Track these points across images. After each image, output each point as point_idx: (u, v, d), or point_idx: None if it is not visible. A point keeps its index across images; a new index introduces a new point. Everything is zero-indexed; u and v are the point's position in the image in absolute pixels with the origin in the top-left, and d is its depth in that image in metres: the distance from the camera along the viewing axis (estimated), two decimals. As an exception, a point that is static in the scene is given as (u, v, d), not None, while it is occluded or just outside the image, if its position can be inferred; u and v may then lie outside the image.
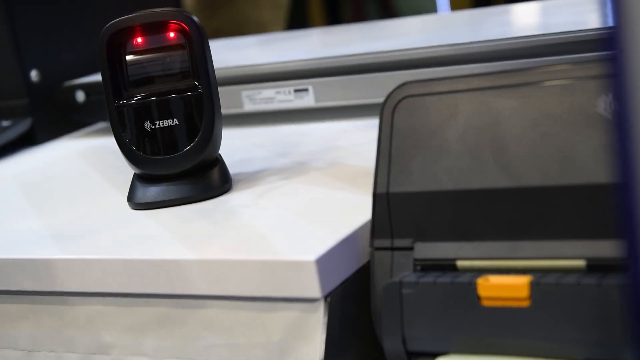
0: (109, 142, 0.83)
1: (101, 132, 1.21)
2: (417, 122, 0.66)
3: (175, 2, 1.54)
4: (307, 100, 1.08)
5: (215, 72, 0.83)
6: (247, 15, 2.12)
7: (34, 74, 1.19)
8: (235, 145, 1.00)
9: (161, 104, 0.81)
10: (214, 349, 0.70)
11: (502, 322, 0.59)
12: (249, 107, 1.11)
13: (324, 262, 0.65)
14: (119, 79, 0.82)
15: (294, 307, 0.66)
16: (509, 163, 0.63)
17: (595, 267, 0.60)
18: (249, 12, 2.13)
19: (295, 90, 1.08)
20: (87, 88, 1.19)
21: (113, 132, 0.83)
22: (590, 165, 0.60)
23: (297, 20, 2.64)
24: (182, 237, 0.74)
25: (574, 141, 0.61)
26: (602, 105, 0.61)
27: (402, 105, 0.67)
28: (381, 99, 0.68)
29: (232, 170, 0.87)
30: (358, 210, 0.72)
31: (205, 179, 0.83)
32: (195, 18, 0.82)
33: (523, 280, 0.59)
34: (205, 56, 0.81)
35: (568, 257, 0.61)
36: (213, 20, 2.06)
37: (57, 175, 1.05)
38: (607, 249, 0.59)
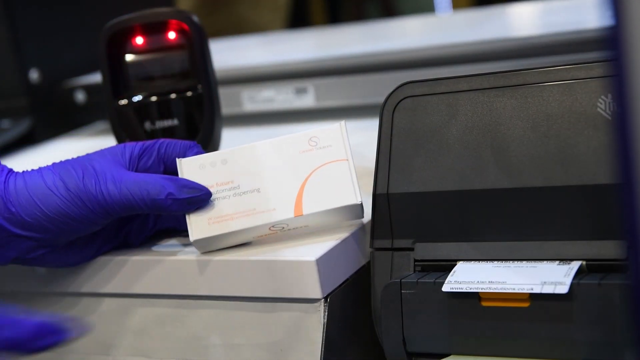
0: (109, 142, 0.83)
1: (101, 132, 1.21)
2: (417, 122, 0.66)
3: (172, 2, 1.54)
4: (307, 100, 1.08)
5: (215, 72, 0.83)
6: (247, 16, 2.13)
7: (34, 74, 1.19)
8: (236, 146, 1.00)
9: (161, 104, 0.81)
10: (214, 349, 0.70)
11: (502, 322, 0.59)
12: (249, 107, 1.11)
13: (324, 263, 0.65)
14: (119, 78, 0.82)
15: (294, 307, 0.66)
16: (509, 163, 0.63)
17: (595, 267, 0.60)
18: (249, 13, 2.13)
19: (296, 90, 1.08)
20: (87, 88, 1.19)
21: (113, 132, 0.83)
22: (590, 165, 0.60)
23: (298, 19, 2.64)
24: (181, 237, 0.74)
25: (574, 141, 0.61)
26: (602, 105, 0.61)
27: (403, 106, 0.67)
28: (381, 99, 0.68)
29: (232, 170, 0.86)
30: (358, 210, 0.72)
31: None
32: (195, 18, 0.82)
33: (523, 280, 0.59)
34: (205, 56, 0.81)
35: (568, 257, 0.61)
36: (213, 20, 2.06)
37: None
38: (607, 249, 0.59)
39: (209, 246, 0.67)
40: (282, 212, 0.66)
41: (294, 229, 0.67)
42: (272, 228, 0.67)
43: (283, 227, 0.67)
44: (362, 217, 0.68)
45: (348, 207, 0.66)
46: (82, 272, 0.73)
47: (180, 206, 0.66)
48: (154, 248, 0.72)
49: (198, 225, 0.66)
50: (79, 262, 0.71)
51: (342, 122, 0.67)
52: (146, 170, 0.69)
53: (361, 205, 0.66)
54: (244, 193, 0.67)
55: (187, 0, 2.08)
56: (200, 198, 0.66)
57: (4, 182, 0.66)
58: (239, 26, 2.07)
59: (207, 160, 0.68)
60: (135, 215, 0.71)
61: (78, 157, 0.69)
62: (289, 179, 0.67)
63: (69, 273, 0.73)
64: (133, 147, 0.70)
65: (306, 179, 0.66)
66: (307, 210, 0.66)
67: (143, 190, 0.65)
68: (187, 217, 0.66)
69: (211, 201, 0.67)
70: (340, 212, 0.66)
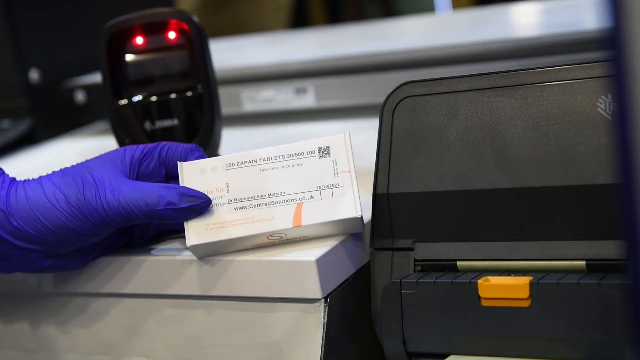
0: (109, 142, 0.83)
1: (101, 132, 1.21)
2: (417, 122, 0.66)
3: (173, 2, 1.54)
4: (307, 100, 1.08)
5: (215, 72, 0.83)
6: (249, 15, 2.12)
7: (34, 74, 1.19)
8: (235, 146, 1.00)
9: (161, 104, 0.81)
10: (214, 349, 0.70)
11: (502, 322, 0.59)
12: (249, 107, 1.11)
13: (324, 262, 0.65)
14: (119, 79, 0.82)
15: (294, 307, 0.66)
16: (509, 163, 0.63)
17: (595, 267, 0.60)
18: (251, 12, 2.13)
19: (295, 90, 1.08)
20: (87, 88, 1.19)
21: (113, 132, 0.83)
22: (590, 165, 0.60)
23: (298, 20, 2.64)
24: (182, 237, 0.74)
25: (574, 141, 0.61)
26: (602, 105, 0.61)
27: (402, 106, 0.67)
28: (381, 99, 0.68)
29: (232, 170, 0.86)
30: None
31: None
32: (195, 18, 0.82)
33: (523, 280, 0.59)
34: (205, 56, 0.81)
35: (568, 257, 0.61)
36: (215, 20, 2.06)
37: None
38: (607, 249, 0.59)
39: (206, 252, 0.67)
40: (280, 221, 0.65)
41: (292, 238, 0.67)
42: (270, 237, 0.66)
43: (281, 237, 0.66)
44: (362, 229, 0.67)
45: (348, 220, 0.65)
46: (82, 272, 0.73)
47: (180, 215, 0.66)
48: (154, 248, 0.72)
49: (195, 230, 0.66)
50: (81, 266, 0.71)
51: (347, 133, 0.67)
52: (147, 174, 0.69)
53: (361, 218, 0.65)
54: (243, 200, 0.66)
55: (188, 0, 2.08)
56: (200, 206, 0.66)
57: (6, 195, 0.66)
58: (242, 26, 2.07)
59: (208, 165, 0.67)
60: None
61: (77, 166, 0.68)
62: (289, 187, 0.66)
63: (69, 274, 0.73)
64: (133, 150, 0.69)
65: (307, 189, 0.66)
66: (306, 221, 0.65)
67: (141, 201, 0.65)
68: (185, 222, 0.66)
69: (210, 207, 0.66)
70: (339, 225, 0.66)
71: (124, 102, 0.82)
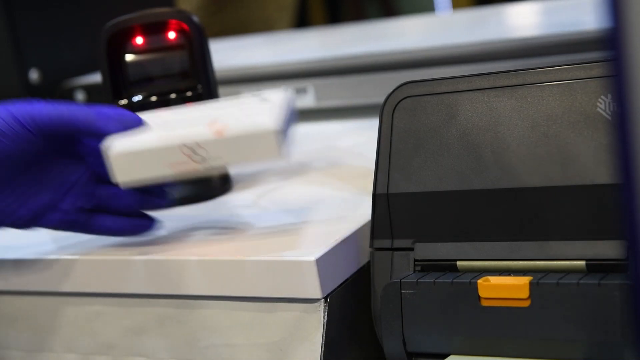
0: (109, 142, 0.83)
1: (101, 132, 1.20)
2: (417, 122, 0.66)
3: (173, 2, 1.54)
4: (307, 100, 1.08)
5: (215, 72, 0.83)
6: (253, 15, 2.12)
7: (34, 74, 1.19)
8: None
9: (161, 104, 0.81)
10: (214, 349, 0.70)
11: (502, 322, 0.59)
12: (249, 107, 1.11)
13: (324, 263, 0.65)
14: (119, 79, 0.82)
15: (294, 307, 0.66)
16: (509, 163, 0.63)
17: (595, 267, 0.60)
18: (255, 12, 2.13)
19: (295, 91, 1.08)
20: (87, 88, 1.19)
21: (113, 132, 0.83)
22: (590, 165, 0.60)
23: (298, 20, 2.64)
24: (182, 237, 0.74)
25: (574, 141, 0.61)
26: (602, 105, 0.61)
27: (402, 106, 0.67)
28: (381, 99, 0.68)
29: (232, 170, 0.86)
30: (358, 210, 0.72)
31: (205, 179, 0.83)
32: (195, 18, 0.82)
33: (523, 280, 0.59)
34: (205, 56, 0.81)
35: (568, 257, 0.61)
36: (218, 19, 2.06)
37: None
38: (607, 249, 0.59)
39: (129, 173, 0.67)
40: (197, 133, 0.66)
41: (212, 158, 0.66)
42: (186, 153, 0.66)
43: (202, 156, 0.66)
44: (283, 157, 0.66)
45: (264, 136, 0.64)
46: (82, 272, 0.73)
47: (110, 123, 0.67)
48: (154, 248, 0.72)
49: (116, 142, 0.67)
50: (25, 215, 0.70)
51: (288, 89, 0.71)
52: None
53: (276, 134, 0.64)
54: (170, 122, 0.69)
55: (190, -1, 2.07)
56: (131, 118, 0.68)
57: None
58: (245, 25, 2.07)
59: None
60: (76, 168, 0.71)
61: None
62: (213, 109, 0.69)
63: (69, 272, 0.73)
64: None
65: (229, 107, 0.69)
66: (221, 134, 0.65)
67: (76, 105, 0.67)
68: (109, 137, 0.67)
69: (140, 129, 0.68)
70: (255, 142, 0.65)
71: (124, 102, 0.82)
